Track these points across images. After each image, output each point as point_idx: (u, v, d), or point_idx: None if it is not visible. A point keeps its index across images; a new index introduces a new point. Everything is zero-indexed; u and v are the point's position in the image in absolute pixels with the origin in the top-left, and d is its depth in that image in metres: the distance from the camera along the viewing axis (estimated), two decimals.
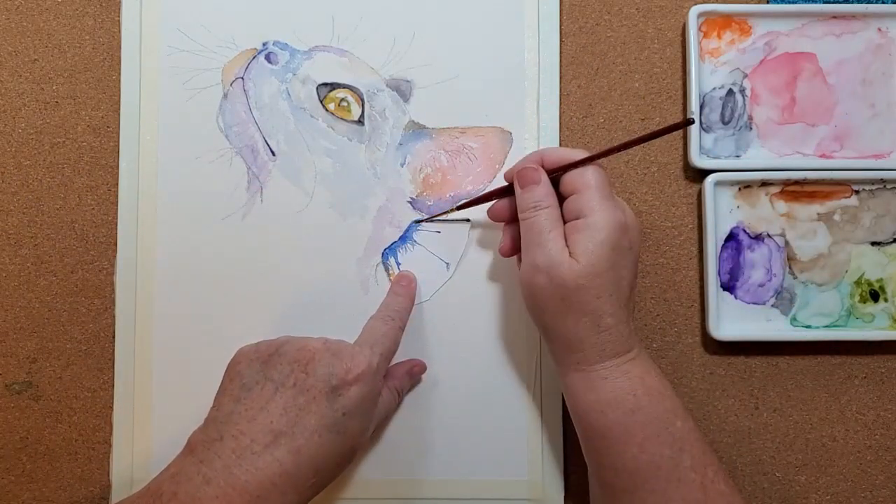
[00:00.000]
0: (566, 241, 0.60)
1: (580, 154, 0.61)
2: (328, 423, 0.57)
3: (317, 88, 0.71)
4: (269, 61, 0.71)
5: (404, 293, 0.68)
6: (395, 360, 0.67)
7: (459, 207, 0.69)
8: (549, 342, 0.62)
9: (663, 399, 0.59)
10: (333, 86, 0.71)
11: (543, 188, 0.61)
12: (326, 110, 0.71)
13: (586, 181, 0.60)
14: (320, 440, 0.56)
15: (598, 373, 0.59)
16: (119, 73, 0.72)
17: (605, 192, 0.60)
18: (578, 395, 0.60)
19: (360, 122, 0.71)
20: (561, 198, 0.62)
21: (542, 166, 0.62)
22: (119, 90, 0.71)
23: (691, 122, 0.63)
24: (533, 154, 0.63)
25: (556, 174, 0.61)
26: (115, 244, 0.71)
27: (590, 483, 0.64)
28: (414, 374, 0.69)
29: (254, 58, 0.71)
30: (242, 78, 0.71)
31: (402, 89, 0.71)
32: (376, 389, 0.60)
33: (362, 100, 0.71)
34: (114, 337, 0.70)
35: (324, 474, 0.58)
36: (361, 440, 0.60)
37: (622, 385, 0.58)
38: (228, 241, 0.70)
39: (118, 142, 0.71)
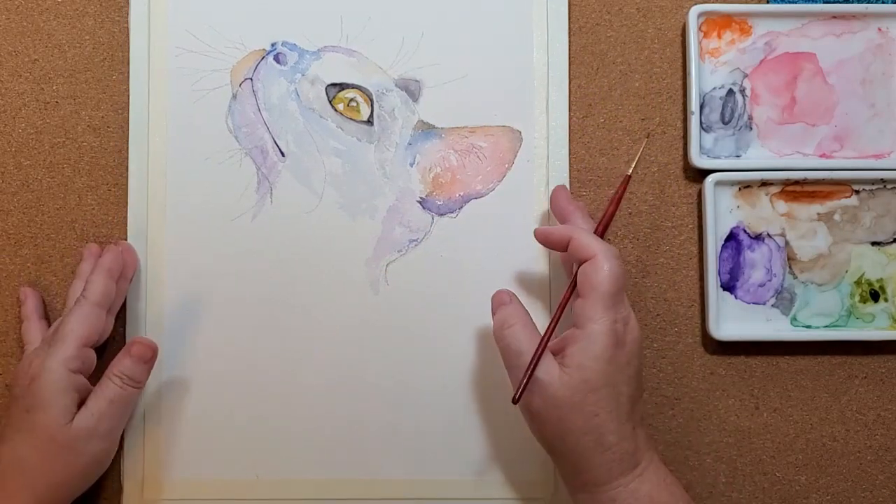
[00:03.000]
0: (564, 350, 0.59)
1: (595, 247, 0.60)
2: (15, 422, 0.61)
3: (326, 89, 0.71)
4: (278, 62, 0.71)
5: (98, 269, 0.65)
6: (401, 356, 0.68)
7: None
8: (556, 462, 0.62)
9: None
10: (342, 86, 0.71)
11: (512, 308, 0.62)
12: (335, 111, 0.71)
13: (593, 284, 0.59)
14: (12, 440, 0.61)
15: (607, 494, 0.58)
16: (120, 73, 0.71)
17: (609, 301, 0.58)
18: None
19: (370, 122, 0.71)
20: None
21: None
22: (120, 90, 0.71)
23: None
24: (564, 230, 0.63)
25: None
26: (116, 244, 0.70)
27: None
28: (133, 353, 0.64)
29: (262, 58, 0.71)
30: (251, 79, 0.71)
31: (411, 89, 0.71)
32: (62, 381, 0.61)
33: (371, 100, 0.71)
34: (114, 337, 0.70)
35: (35, 475, 0.61)
36: (75, 432, 0.61)
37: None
38: (238, 242, 0.70)
39: (118, 142, 0.71)
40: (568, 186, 0.70)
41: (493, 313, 0.63)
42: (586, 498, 0.60)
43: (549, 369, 0.58)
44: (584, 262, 0.60)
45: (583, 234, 0.61)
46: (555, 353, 0.60)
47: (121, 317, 0.70)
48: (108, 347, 0.70)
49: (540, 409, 0.58)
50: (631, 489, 0.58)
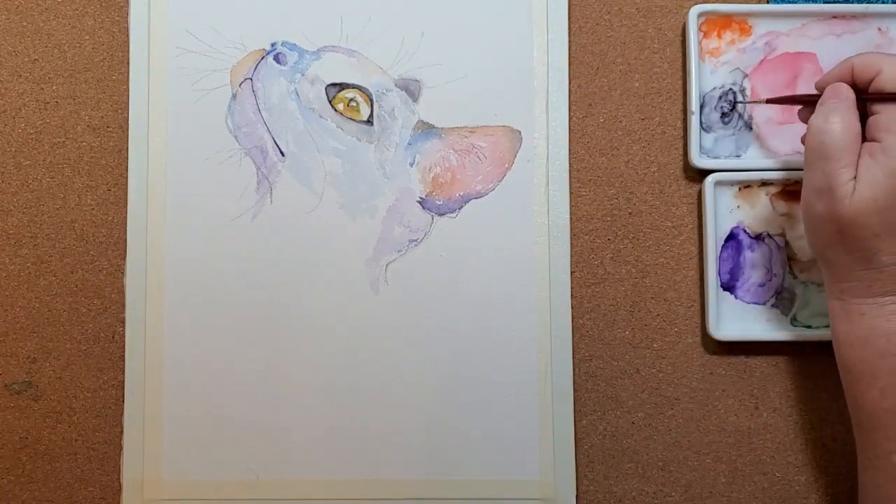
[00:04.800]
0: (857, 165, 0.56)
1: None
2: None
3: (326, 89, 0.71)
4: (278, 62, 0.71)
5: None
6: (401, 356, 0.68)
7: (768, 101, 0.67)
8: (820, 264, 0.61)
9: None
10: (342, 86, 0.71)
11: (844, 105, 0.58)
12: (335, 111, 0.71)
13: None
14: None
15: (858, 307, 0.58)
16: (119, 73, 0.72)
17: None
18: (835, 323, 0.60)
19: (370, 122, 0.71)
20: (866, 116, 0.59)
21: (854, 81, 0.59)
22: (120, 90, 0.71)
23: None
24: (845, 63, 0.60)
25: (871, 98, 0.58)
26: (116, 244, 0.71)
27: None
28: None
29: (262, 58, 0.71)
30: (251, 79, 0.71)
31: (411, 89, 0.71)
32: None
33: (371, 100, 0.71)
34: (114, 337, 0.70)
35: None
36: None
37: (879, 325, 0.57)
38: (238, 242, 0.70)
39: (118, 142, 0.71)
40: (568, 186, 0.71)
41: (821, 103, 0.60)
42: (838, 305, 0.60)
43: (846, 180, 0.56)
44: (876, 74, 0.58)
45: (867, 53, 0.60)
46: None
47: (121, 317, 0.70)
48: (107, 348, 0.70)
49: (821, 215, 0.57)
50: (887, 311, 0.57)
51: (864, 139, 0.58)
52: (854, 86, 0.59)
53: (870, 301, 0.57)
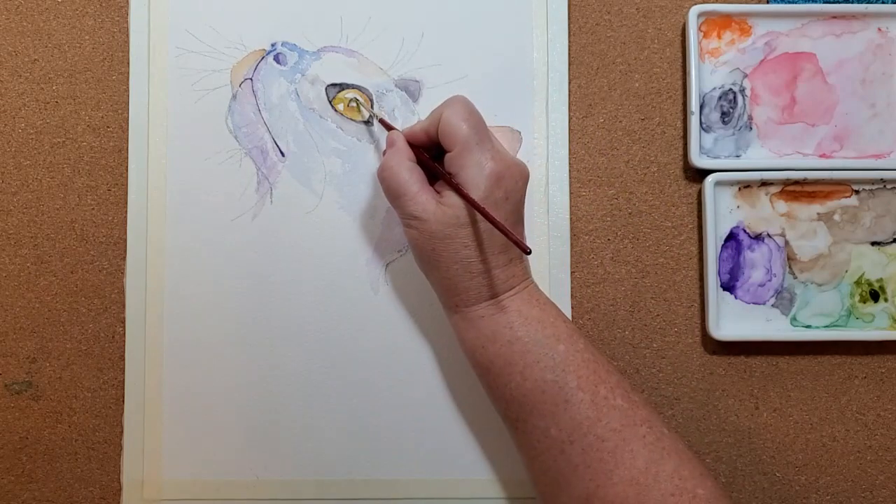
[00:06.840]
0: (442, 192, 0.63)
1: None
2: None
3: (326, 89, 0.71)
4: (278, 62, 0.71)
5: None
6: (401, 356, 0.68)
7: (381, 121, 0.70)
8: (432, 286, 0.66)
9: (543, 327, 0.62)
10: (342, 86, 0.71)
11: (397, 149, 0.65)
12: (335, 111, 0.71)
13: (454, 137, 0.62)
14: None
15: (476, 312, 0.63)
16: (119, 73, 0.71)
17: (471, 146, 0.62)
18: (461, 334, 0.64)
19: (370, 122, 0.71)
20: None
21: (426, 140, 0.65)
22: (120, 90, 0.71)
23: (528, 252, 0.61)
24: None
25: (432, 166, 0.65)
26: (115, 244, 0.71)
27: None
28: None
29: (262, 58, 0.71)
30: (251, 79, 0.71)
31: (410, 89, 0.71)
32: None
33: (371, 100, 0.71)
34: (114, 337, 0.70)
35: None
36: None
37: (498, 320, 0.62)
38: (238, 242, 0.70)
39: (118, 142, 0.71)
40: (568, 186, 0.71)
41: (384, 154, 0.66)
42: (459, 318, 0.64)
43: (426, 206, 0.62)
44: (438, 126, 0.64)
45: (420, 122, 0.66)
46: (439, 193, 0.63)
47: (121, 317, 0.70)
48: (107, 348, 0.70)
49: (417, 241, 0.63)
50: (500, 306, 0.62)
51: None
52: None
53: (483, 304, 0.62)
